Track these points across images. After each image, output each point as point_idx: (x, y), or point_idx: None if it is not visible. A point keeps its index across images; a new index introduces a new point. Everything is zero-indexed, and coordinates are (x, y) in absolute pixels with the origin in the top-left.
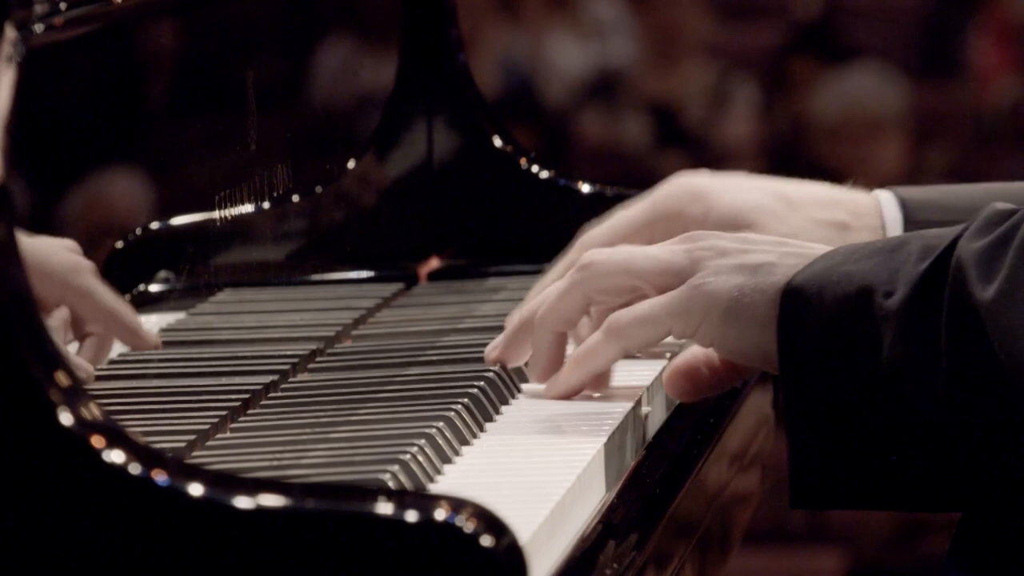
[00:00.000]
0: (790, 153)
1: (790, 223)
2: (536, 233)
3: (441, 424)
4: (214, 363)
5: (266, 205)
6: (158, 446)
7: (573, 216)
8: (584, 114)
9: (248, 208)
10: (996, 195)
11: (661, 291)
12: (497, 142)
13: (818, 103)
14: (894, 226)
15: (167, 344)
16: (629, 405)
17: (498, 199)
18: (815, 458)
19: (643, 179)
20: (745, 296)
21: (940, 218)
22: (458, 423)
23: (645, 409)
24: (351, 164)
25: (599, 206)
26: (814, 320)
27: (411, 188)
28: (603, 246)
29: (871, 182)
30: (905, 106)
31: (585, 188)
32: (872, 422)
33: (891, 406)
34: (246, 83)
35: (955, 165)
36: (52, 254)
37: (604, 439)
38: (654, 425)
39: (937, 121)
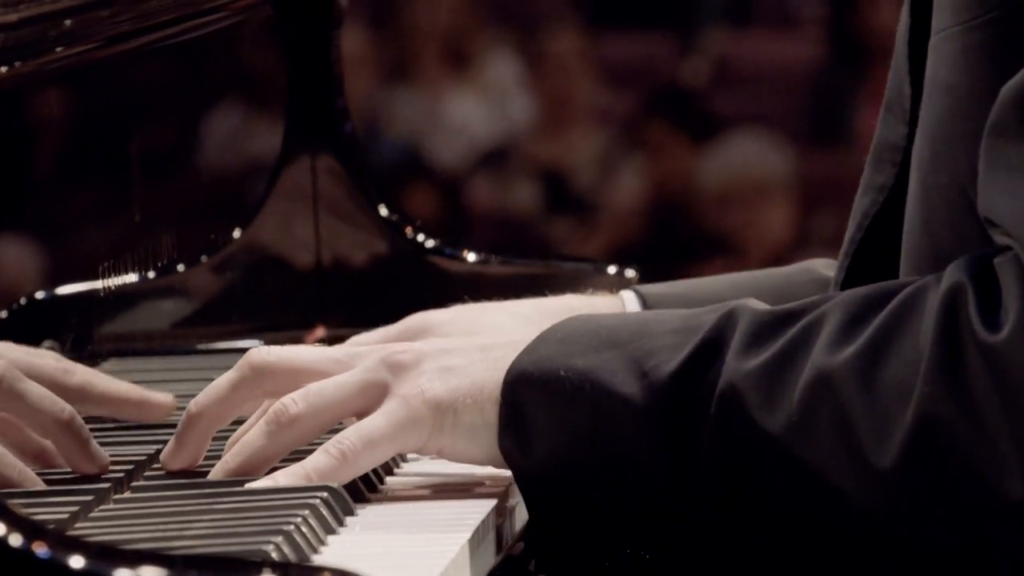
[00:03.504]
0: (678, 219)
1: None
2: (422, 302)
3: (325, 494)
4: (98, 434)
5: (151, 275)
6: (40, 517)
7: (459, 284)
8: (476, 179)
9: (133, 278)
10: (741, 287)
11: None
12: (383, 211)
13: (706, 169)
14: None
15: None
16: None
17: (384, 268)
18: (560, 549)
19: (534, 245)
20: (467, 398)
21: None
22: (343, 492)
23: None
24: (236, 233)
25: (485, 274)
26: (542, 415)
27: (297, 257)
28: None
29: (760, 248)
30: (793, 172)
31: (471, 257)
32: (616, 524)
33: (635, 506)
34: (131, 152)
35: (843, 231)
36: (35, 362)
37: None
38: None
39: (825, 187)
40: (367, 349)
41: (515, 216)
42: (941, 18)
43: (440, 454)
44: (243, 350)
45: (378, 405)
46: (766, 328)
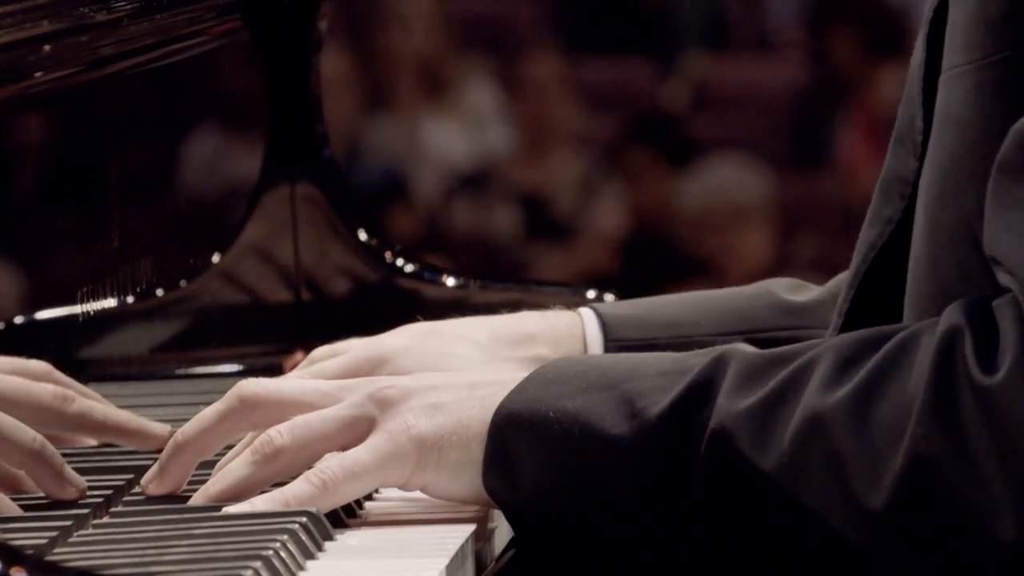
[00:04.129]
0: (658, 242)
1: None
2: (400, 325)
3: (304, 519)
4: (77, 459)
5: (130, 299)
6: (18, 543)
7: (439, 309)
8: (455, 204)
9: (112, 302)
10: (701, 307)
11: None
12: (363, 236)
13: (685, 193)
14: (594, 345)
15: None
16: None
17: (363, 293)
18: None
19: (514, 269)
20: (452, 435)
21: (641, 335)
22: (322, 517)
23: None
24: (216, 258)
25: (464, 299)
26: (530, 455)
27: (277, 282)
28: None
29: (739, 271)
30: (771, 196)
31: (450, 282)
32: (605, 560)
33: (623, 545)
34: (110, 176)
35: (822, 254)
36: (32, 386)
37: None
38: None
39: (804, 211)
40: (355, 382)
41: (495, 241)
42: (953, 55)
43: (424, 490)
44: (222, 375)
45: (364, 439)
46: (757, 370)
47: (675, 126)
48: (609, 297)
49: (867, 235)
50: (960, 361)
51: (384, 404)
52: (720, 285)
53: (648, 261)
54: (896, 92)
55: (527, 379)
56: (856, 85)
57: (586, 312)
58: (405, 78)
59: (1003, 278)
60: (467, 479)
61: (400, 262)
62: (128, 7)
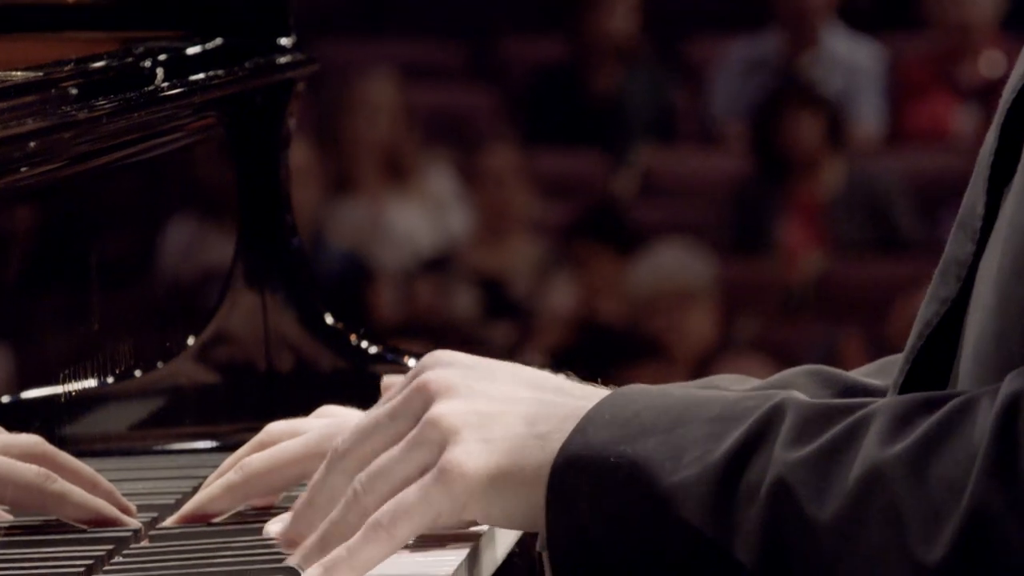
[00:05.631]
0: (610, 323)
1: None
2: (366, 406)
3: None
4: (56, 532)
5: (110, 380)
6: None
7: None
8: (417, 286)
9: (92, 383)
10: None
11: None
12: (328, 319)
13: (635, 276)
14: None
15: (10, 513)
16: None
17: (330, 374)
18: None
19: (474, 350)
20: (508, 477)
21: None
22: None
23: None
24: (190, 340)
25: None
26: (587, 506)
27: (247, 363)
28: (269, 468)
29: (686, 351)
30: (716, 279)
31: (412, 362)
32: None
33: None
34: (91, 264)
35: (763, 334)
36: (16, 465)
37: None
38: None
39: (747, 293)
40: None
41: (455, 322)
42: None
43: (473, 518)
44: (196, 451)
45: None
46: (813, 421)
47: (625, 213)
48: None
49: (924, 314)
50: (1022, 422)
51: (437, 445)
52: (668, 364)
53: (600, 341)
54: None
55: (587, 419)
56: (795, 175)
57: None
58: (370, 166)
59: None
60: (520, 513)
61: (364, 344)
62: (108, 106)
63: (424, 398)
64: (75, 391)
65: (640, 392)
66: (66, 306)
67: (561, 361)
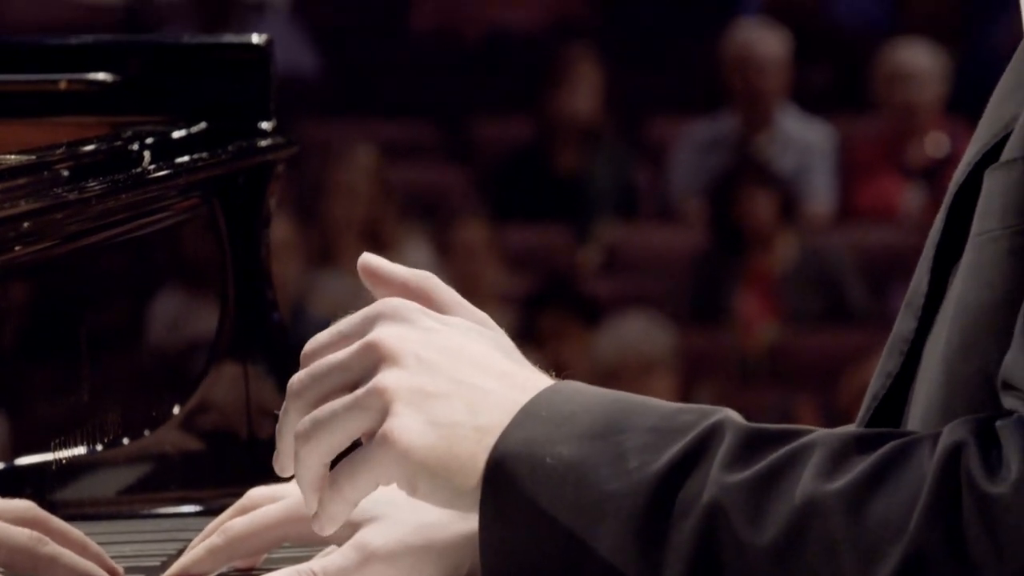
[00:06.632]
0: None
1: (423, 509)
2: None
3: None
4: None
5: (99, 447)
6: None
7: None
8: None
9: (82, 450)
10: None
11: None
12: None
13: (599, 346)
14: None
15: (4, 575)
16: None
17: None
18: None
19: None
20: (442, 459)
21: None
22: None
23: None
24: (175, 409)
25: None
26: (519, 503)
27: (230, 430)
28: (250, 531)
29: None
30: (676, 348)
31: None
32: None
33: None
34: (82, 336)
35: (721, 400)
36: (10, 529)
37: None
38: None
39: (705, 361)
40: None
41: None
42: (986, 222)
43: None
44: (182, 515)
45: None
46: (753, 445)
47: (589, 285)
48: None
49: (872, 388)
50: (965, 467)
51: (381, 402)
52: None
53: None
54: (787, 255)
55: (524, 414)
56: (750, 249)
57: None
58: (351, 240)
59: (1009, 402)
60: (457, 504)
61: None
62: (98, 188)
63: (374, 358)
64: (66, 458)
65: (576, 390)
66: (58, 377)
67: None
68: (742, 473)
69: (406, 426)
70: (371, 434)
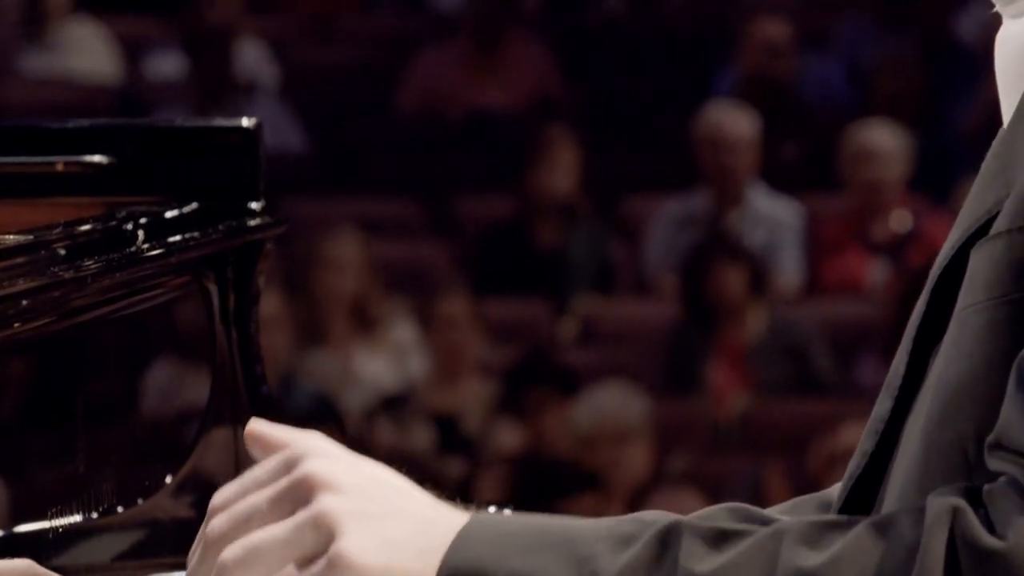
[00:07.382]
0: (552, 459)
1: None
2: None
3: None
4: None
5: (94, 515)
6: None
7: None
8: (378, 424)
9: (79, 518)
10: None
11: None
12: None
13: (576, 416)
14: None
15: None
16: None
17: None
18: None
19: (428, 483)
20: (399, 573)
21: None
22: None
23: None
24: (168, 479)
25: None
26: None
27: None
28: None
29: (623, 484)
30: (651, 417)
31: None
32: None
33: None
34: (77, 409)
35: (694, 468)
36: None
37: None
38: None
39: (678, 430)
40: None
41: (412, 457)
42: (971, 296)
43: None
44: None
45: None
46: (716, 539)
47: (566, 356)
48: (508, 512)
49: (850, 467)
50: (960, 529)
51: (327, 524)
52: (607, 496)
53: (544, 474)
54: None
55: (467, 531)
56: (722, 322)
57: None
58: (338, 315)
59: (1001, 466)
60: None
61: None
62: (94, 266)
63: (306, 490)
64: (63, 526)
65: (505, 516)
66: (55, 448)
67: (509, 491)
68: (715, 561)
69: (359, 546)
70: (307, 560)
